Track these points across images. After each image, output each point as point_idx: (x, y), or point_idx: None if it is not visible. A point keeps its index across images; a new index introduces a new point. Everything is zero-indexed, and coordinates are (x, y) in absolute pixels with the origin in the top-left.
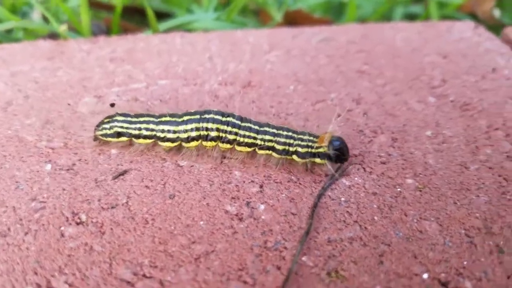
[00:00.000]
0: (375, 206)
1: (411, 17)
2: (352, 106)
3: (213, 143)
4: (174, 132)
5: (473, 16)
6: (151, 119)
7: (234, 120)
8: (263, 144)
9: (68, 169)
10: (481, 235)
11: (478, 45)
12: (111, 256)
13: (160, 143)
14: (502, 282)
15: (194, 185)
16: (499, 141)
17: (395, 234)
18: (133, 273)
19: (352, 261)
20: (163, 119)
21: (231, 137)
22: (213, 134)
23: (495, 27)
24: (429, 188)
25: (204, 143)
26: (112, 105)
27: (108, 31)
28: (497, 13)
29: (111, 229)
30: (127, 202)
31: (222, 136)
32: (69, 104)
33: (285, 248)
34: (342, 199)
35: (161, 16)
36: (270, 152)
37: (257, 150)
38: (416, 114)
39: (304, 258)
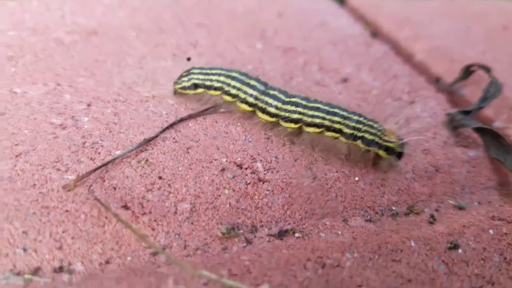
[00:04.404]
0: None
1: None
2: (188, 48)
3: (270, 118)
4: (239, 89)
5: None
6: (222, 71)
7: (299, 100)
8: (331, 126)
9: None
10: (278, 135)
11: (312, 7)
12: None
13: (223, 96)
14: (289, 163)
15: (25, 105)
16: (311, 73)
17: (204, 134)
18: None
19: (161, 152)
20: (232, 73)
21: (295, 116)
22: (272, 110)
23: None
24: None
25: (258, 113)
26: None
27: None
28: None
29: None
30: None
31: (281, 115)
32: None
33: (102, 146)
34: (164, 112)
35: None
36: (338, 135)
37: (324, 131)
38: (243, 55)
39: (118, 152)
